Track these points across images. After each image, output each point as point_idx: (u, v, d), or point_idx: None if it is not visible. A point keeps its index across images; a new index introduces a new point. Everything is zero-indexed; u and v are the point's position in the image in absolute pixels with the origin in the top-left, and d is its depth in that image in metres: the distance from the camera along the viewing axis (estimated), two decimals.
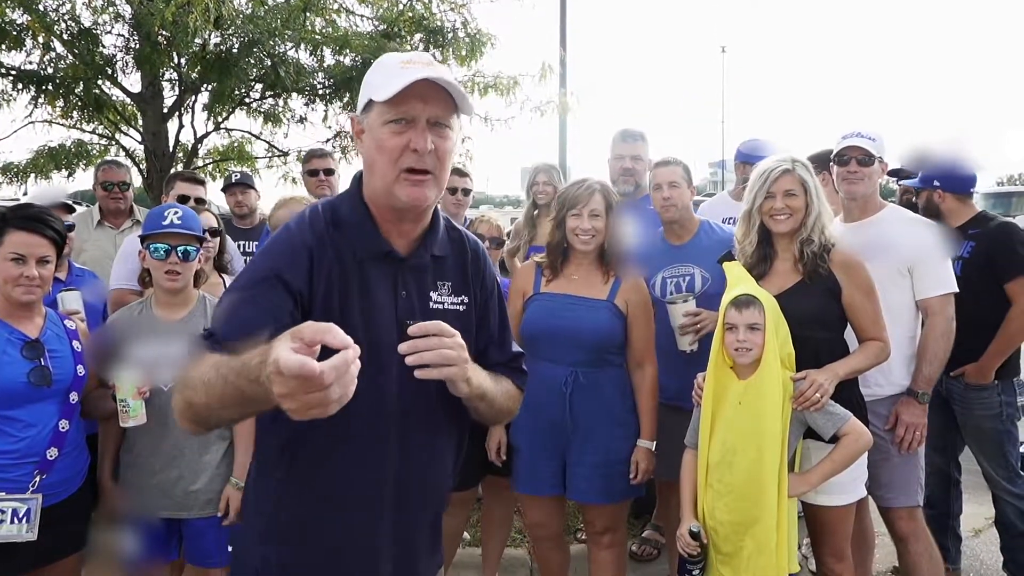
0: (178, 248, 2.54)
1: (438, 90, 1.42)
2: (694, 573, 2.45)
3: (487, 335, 1.65)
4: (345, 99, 7.33)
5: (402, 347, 1.30)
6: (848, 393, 2.51)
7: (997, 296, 3.19)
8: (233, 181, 4.60)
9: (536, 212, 4.15)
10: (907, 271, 2.81)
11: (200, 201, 3.93)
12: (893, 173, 3.80)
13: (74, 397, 2.40)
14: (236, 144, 8.70)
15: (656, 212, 3.81)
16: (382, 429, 1.47)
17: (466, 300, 1.59)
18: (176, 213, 2.58)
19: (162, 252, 2.53)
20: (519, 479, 2.89)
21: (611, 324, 2.74)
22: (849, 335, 2.61)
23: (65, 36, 6.50)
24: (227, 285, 3.24)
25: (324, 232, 1.47)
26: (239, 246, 4.28)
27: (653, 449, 2.78)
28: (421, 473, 1.56)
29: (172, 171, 5.62)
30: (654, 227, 3.52)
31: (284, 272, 1.40)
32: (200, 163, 8.29)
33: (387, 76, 1.41)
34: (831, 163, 3.01)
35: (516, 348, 1.73)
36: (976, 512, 4.09)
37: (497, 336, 1.68)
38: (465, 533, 3.87)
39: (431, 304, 1.53)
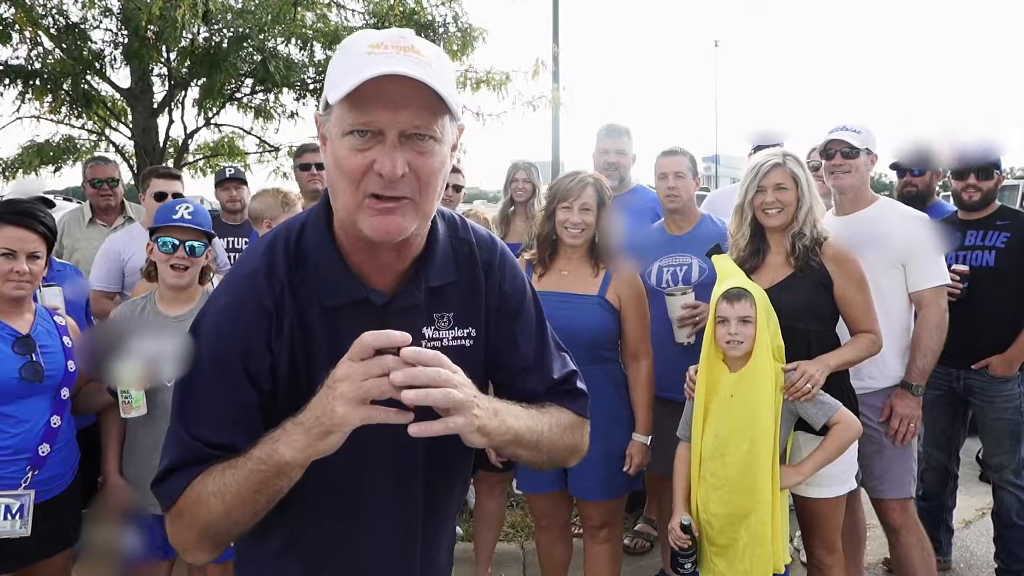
0: (186, 243, 2.54)
1: (415, 87, 1.02)
2: (686, 566, 2.46)
3: (518, 362, 1.32)
4: None
5: (406, 395, 0.98)
6: (838, 385, 2.53)
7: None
8: (227, 176, 4.57)
9: (512, 209, 4.14)
10: (900, 264, 2.83)
11: (178, 196, 3.90)
12: (892, 167, 3.83)
13: (65, 393, 2.40)
14: (227, 139, 8.66)
15: (642, 206, 3.85)
16: (379, 490, 1.22)
17: (473, 332, 1.27)
18: (187, 208, 2.58)
19: (170, 246, 2.53)
20: (522, 478, 2.91)
21: (603, 320, 2.71)
22: (840, 329, 2.62)
23: (52, 31, 6.44)
24: (214, 283, 3.23)
25: (285, 278, 1.15)
26: (228, 242, 4.26)
27: (648, 443, 2.77)
28: (422, 523, 1.31)
29: (147, 168, 5.55)
30: (639, 221, 3.54)
31: (242, 357, 1.13)
32: (190, 159, 8.25)
33: (349, 66, 1.04)
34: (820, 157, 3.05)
35: (567, 366, 1.38)
36: (967, 504, 4.12)
37: (533, 360, 1.33)
38: (458, 528, 3.88)
39: (423, 343, 1.20)
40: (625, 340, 2.79)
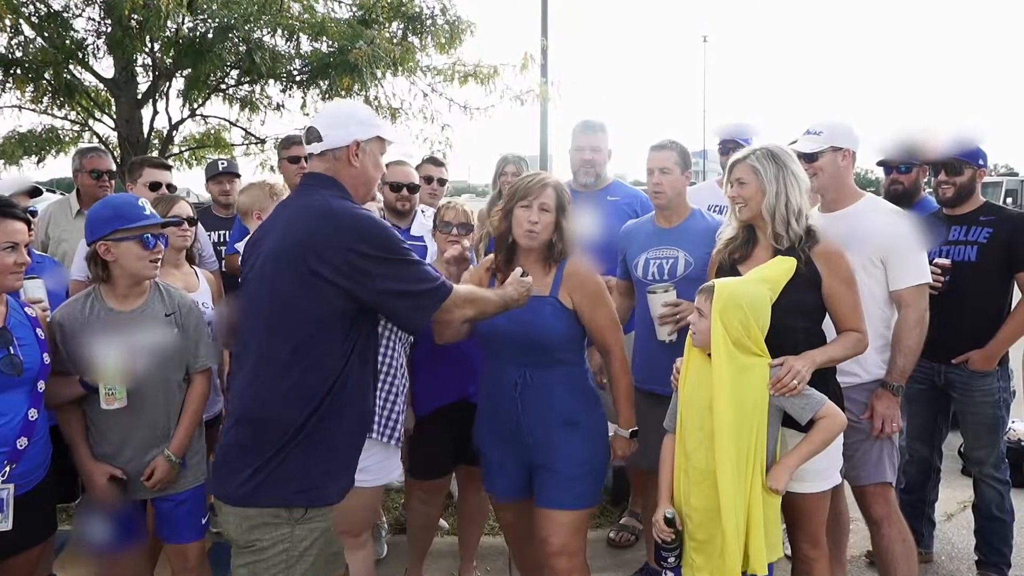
0: (160, 237, 2.57)
1: None
2: (669, 560, 2.45)
3: None
4: (323, 86, 7.25)
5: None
6: (825, 382, 2.53)
7: (1006, 283, 3.26)
8: (220, 170, 4.52)
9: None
10: (879, 261, 2.82)
11: (171, 187, 3.86)
12: (879, 164, 3.83)
13: (41, 385, 2.37)
14: (212, 131, 8.59)
15: (618, 202, 3.82)
16: None
17: None
18: (147, 204, 2.60)
19: (152, 242, 2.53)
20: (489, 484, 2.84)
21: (553, 322, 2.57)
22: (826, 326, 2.62)
23: (34, 19, 6.36)
24: (198, 276, 3.20)
25: None
26: (219, 235, 4.21)
27: (628, 436, 2.70)
28: None
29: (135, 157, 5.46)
30: (615, 218, 3.52)
31: None
32: (176, 150, 8.18)
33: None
34: None
35: None
36: (948, 497, 4.16)
37: None
38: (443, 522, 3.87)
39: None
40: (591, 336, 2.68)
